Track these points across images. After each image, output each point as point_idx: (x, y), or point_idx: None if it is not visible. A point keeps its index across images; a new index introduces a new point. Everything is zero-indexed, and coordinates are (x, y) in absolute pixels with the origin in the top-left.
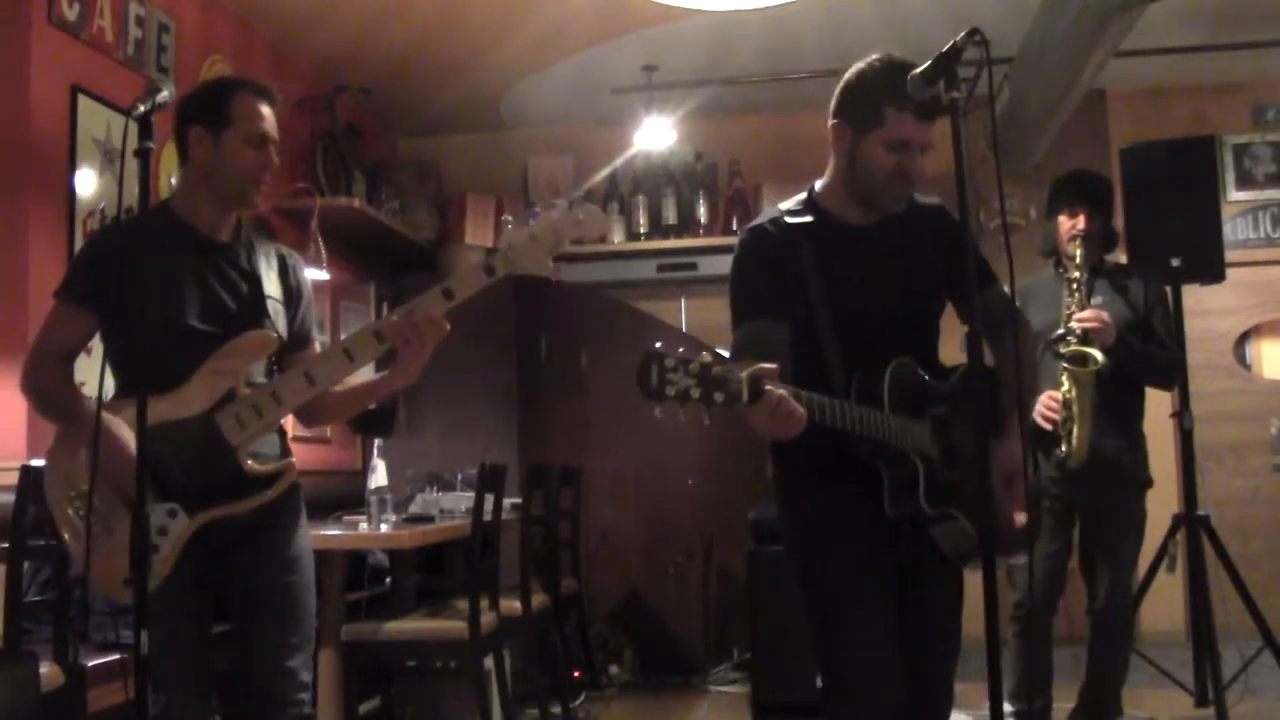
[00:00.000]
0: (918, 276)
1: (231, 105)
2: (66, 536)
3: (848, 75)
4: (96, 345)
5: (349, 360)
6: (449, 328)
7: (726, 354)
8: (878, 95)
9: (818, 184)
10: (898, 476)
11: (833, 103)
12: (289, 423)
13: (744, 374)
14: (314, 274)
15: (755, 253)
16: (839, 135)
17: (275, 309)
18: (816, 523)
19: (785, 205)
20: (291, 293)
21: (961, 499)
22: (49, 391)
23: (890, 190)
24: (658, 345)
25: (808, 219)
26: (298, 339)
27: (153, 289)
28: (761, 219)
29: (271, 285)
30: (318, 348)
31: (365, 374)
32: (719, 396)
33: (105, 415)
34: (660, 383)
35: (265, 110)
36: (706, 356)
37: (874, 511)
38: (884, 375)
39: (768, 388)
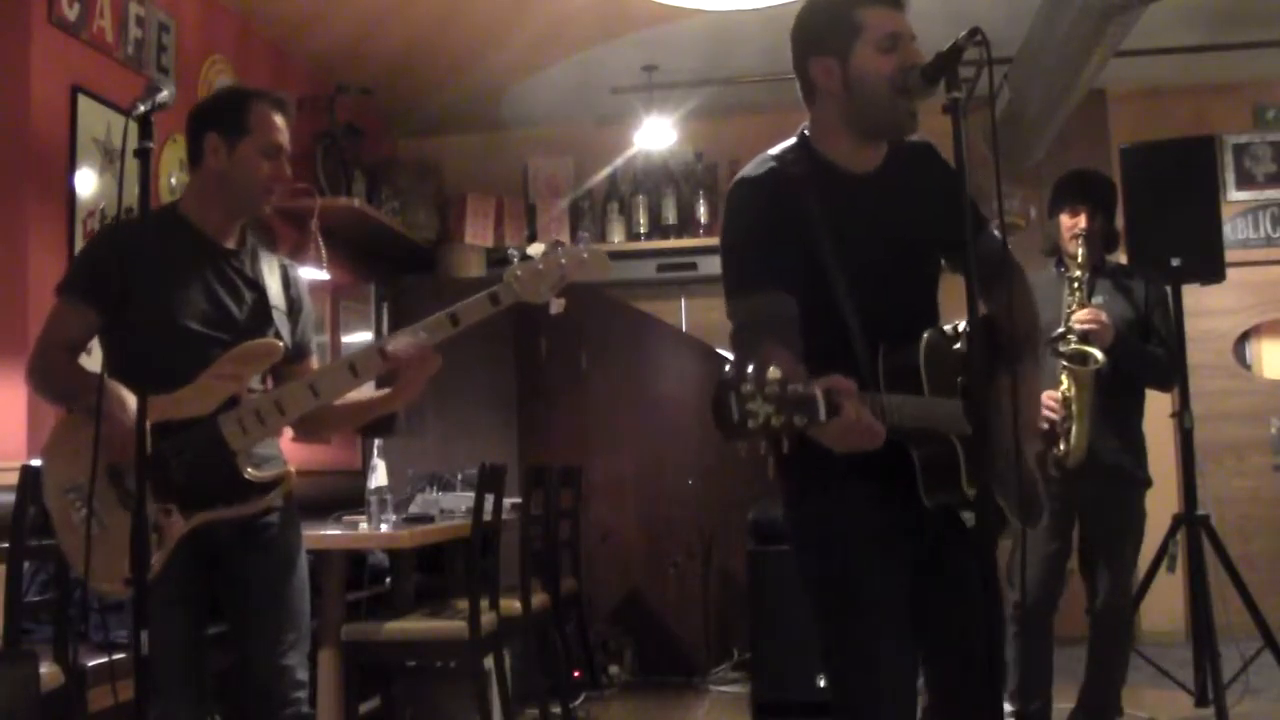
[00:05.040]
0: (922, 226)
1: (249, 115)
2: (59, 531)
3: (800, 14)
4: (96, 344)
5: (353, 375)
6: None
7: (730, 356)
8: (841, 6)
9: (807, 129)
10: (935, 462)
11: (797, 49)
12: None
13: (818, 389)
14: (314, 274)
15: (756, 209)
16: (825, 72)
17: (280, 319)
18: (830, 526)
19: (775, 151)
20: (293, 304)
21: (994, 474)
22: (54, 375)
23: (899, 103)
24: (726, 370)
25: (808, 168)
26: (298, 350)
27: (155, 289)
28: (755, 168)
29: (276, 295)
30: (314, 360)
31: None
32: (799, 420)
33: (111, 384)
34: (741, 415)
35: (281, 121)
36: (775, 371)
37: (893, 505)
38: (919, 351)
39: (845, 402)
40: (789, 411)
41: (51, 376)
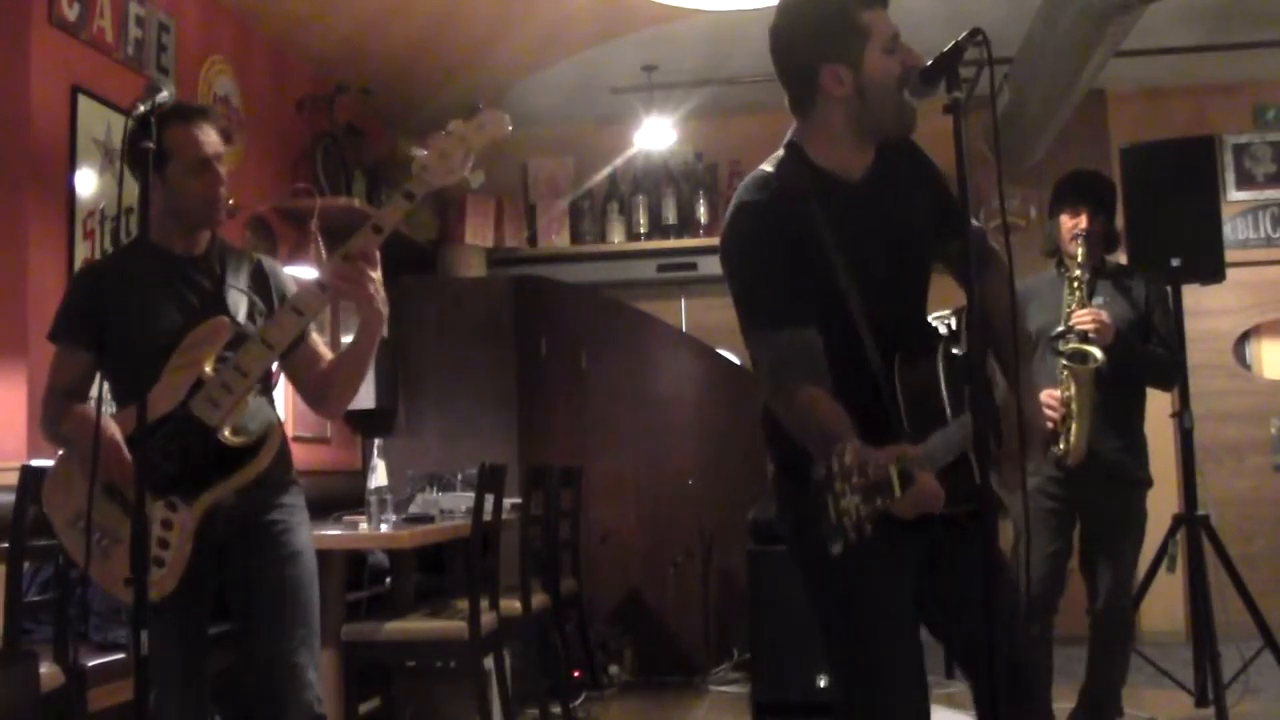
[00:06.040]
0: (916, 224)
1: (164, 140)
2: (74, 557)
3: (793, 22)
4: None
5: (298, 315)
6: (378, 259)
7: (730, 356)
8: (842, 11)
9: (795, 138)
10: (955, 482)
11: (802, 57)
12: (290, 422)
13: (890, 468)
14: (314, 274)
15: (763, 235)
16: (836, 79)
17: (236, 299)
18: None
19: (770, 168)
20: (268, 294)
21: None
22: (52, 418)
23: (906, 102)
24: (820, 471)
25: (807, 181)
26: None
27: (137, 315)
28: (755, 191)
29: (239, 281)
30: (320, 345)
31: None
32: (881, 501)
33: (81, 409)
34: (838, 513)
35: (200, 133)
36: (850, 456)
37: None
38: (936, 368)
39: (918, 471)
40: (872, 497)
41: (51, 420)
